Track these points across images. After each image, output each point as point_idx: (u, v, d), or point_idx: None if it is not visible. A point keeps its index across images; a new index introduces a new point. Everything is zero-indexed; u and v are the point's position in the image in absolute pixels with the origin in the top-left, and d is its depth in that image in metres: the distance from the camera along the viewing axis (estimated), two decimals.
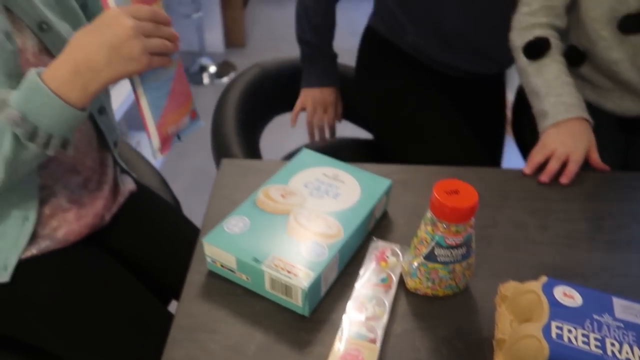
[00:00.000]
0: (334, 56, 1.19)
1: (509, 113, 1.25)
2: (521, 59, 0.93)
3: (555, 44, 0.92)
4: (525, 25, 0.94)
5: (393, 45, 1.13)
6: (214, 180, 0.78)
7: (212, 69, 2.65)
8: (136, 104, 0.60)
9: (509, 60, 1.03)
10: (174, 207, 0.91)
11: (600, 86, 1.00)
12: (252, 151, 1.06)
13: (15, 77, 0.60)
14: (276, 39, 2.98)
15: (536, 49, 0.92)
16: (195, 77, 2.64)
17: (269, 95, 1.20)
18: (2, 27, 0.59)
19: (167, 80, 0.59)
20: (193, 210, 1.25)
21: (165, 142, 0.61)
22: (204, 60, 2.67)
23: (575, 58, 0.98)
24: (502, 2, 0.99)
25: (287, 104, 1.22)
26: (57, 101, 0.53)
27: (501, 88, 1.24)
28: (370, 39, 1.18)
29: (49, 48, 0.65)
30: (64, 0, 0.68)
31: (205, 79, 2.62)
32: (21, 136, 0.53)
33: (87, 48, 0.53)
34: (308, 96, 1.17)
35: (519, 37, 0.94)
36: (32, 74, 0.54)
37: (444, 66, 1.12)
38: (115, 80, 0.55)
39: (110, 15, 0.53)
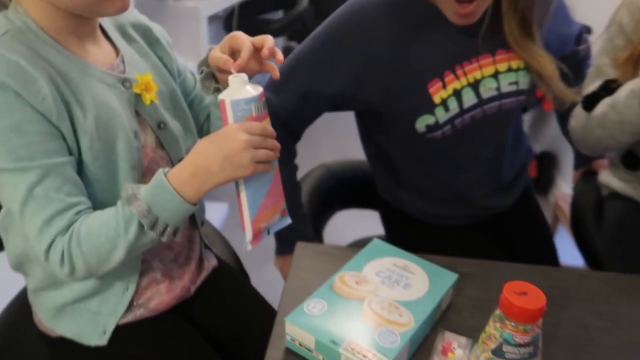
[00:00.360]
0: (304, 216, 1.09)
1: (564, 207, 1.28)
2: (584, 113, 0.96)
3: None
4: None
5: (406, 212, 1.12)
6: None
7: None
8: (235, 200, 0.69)
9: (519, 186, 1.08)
10: (247, 282, 0.98)
11: None
12: (318, 240, 1.13)
13: (137, 169, 0.71)
14: (339, 135, 3.07)
15: (595, 100, 0.95)
16: None
17: (333, 193, 1.25)
18: (133, 127, 0.71)
19: (266, 183, 0.67)
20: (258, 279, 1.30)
21: (257, 235, 0.69)
22: None
23: (633, 164, 1.02)
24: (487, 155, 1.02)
25: (351, 201, 1.30)
26: (177, 198, 0.63)
27: (528, 198, 1.18)
28: (386, 210, 1.17)
29: (163, 143, 0.76)
30: (177, 102, 0.80)
31: None
32: (145, 226, 0.63)
33: (207, 156, 0.63)
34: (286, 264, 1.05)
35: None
36: (160, 173, 0.64)
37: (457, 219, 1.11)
38: (225, 182, 0.64)
39: (229, 130, 0.63)
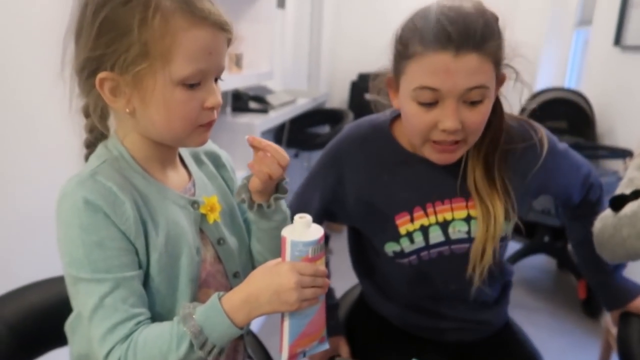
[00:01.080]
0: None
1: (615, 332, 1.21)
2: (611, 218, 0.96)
3: None
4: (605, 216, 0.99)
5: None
6: None
7: None
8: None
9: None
10: None
11: None
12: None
13: (195, 281, 0.76)
14: None
15: (624, 200, 0.95)
16: None
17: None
18: (196, 244, 0.77)
19: (310, 314, 0.70)
20: None
21: (292, 357, 0.71)
22: None
23: None
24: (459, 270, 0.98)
25: None
26: (227, 321, 0.67)
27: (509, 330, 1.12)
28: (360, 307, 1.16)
29: (221, 257, 0.82)
30: (235, 219, 0.87)
31: None
32: (195, 345, 0.66)
33: (259, 286, 0.68)
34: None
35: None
36: (215, 297, 0.68)
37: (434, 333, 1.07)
38: (272, 313, 0.68)
39: (284, 268, 0.67)
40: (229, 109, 2.03)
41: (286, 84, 3.49)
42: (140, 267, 0.71)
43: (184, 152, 0.84)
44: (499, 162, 0.92)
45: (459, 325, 1.06)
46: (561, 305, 2.50)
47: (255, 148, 0.75)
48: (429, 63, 0.78)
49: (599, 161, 2.62)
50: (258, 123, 1.90)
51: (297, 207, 1.01)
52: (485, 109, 0.83)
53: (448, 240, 0.95)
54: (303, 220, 0.68)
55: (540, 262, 2.85)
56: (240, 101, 2.15)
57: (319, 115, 2.96)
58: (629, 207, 0.94)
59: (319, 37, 4.28)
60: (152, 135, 0.73)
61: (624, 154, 2.22)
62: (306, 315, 0.70)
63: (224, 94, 2.00)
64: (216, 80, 0.74)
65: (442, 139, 0.83)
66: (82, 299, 0.68)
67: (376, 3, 4.71)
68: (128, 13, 0.64)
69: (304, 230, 0.68)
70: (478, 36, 0.77)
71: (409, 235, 0.95)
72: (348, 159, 0.98)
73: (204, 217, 0.79)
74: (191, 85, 0.68)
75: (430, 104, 0.81)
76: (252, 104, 2.15)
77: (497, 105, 0.92)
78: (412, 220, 0.95)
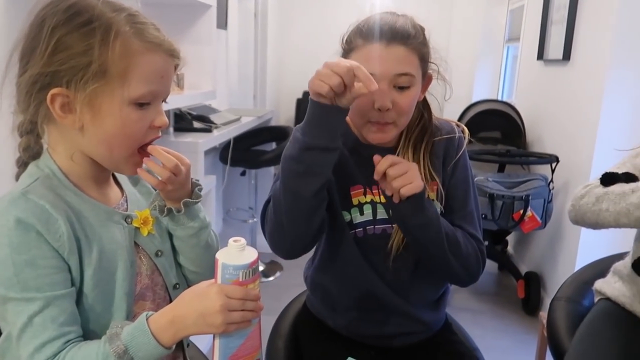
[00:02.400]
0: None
1: None
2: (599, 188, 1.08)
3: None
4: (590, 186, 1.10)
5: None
6: None
7: (261, 267, 2.86)
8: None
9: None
10: None
11: None
12: None
13: (130, 295, 0.77)
14: None
15: (615, 178, 1.06)
16: None
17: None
18: (131, 257, 0.78)
19: (241, 336, 0.72)
20: None
21: None
22: None
23: None
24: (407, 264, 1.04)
25: None
26: (153, 342, 0.68)
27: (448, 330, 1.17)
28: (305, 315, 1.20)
29: (160, 270, 0.83)
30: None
31: None
32: None
33: (185, 308, 0.70)
34: None
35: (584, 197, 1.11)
36: (142, 317, 0.70)
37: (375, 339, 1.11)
38: (200, 334, 0.70)
39: (212, 290, 0.68)
40: (171, 129, 2.03)
41: (232, 104, 3.51)
42: (73, 284, 0.71)
43: None
44: (426, 148, 1.04)
45: (402, 329, 1.10)
46: (503, 305, 2.63)
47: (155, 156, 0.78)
48: (366, 52, 0.95)
49: (530, 166, 2.79)
50: (201, 142, 1.92)
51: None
52: (413, 94, 0.97)
53: (390, 219, 1.03)
54: (237, 243, 0.70)
55: None
56: (184, 121, 2.16)
57: (265, 133, 2.99)
58: (619, 187, 1.05)
59: (264, 57, 4.35)
60: (96, 153, 0.75)
61: (551, 159, 2.38)
62: (238, 337, 0.71)
63: (165, 113, 2.00)
64: (163, 102, 0.79)
65: (377, 119, 0.96)
66: (11, 318, 0.68)
67: (319, 22, 4.84)
68: (89, 34, 0.68)
69: (236, 253, 0.70)
70: (405, 34, 0.95)
71: (360, 206, 1.04)
72: None
73: (137, 230, 0.81)
74: (142, 104, 0.72)
75: None
76: (196, 124, 2.17)
77: (426, 104, 1.07)
78: (365, 194, 1.04)
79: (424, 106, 1.06)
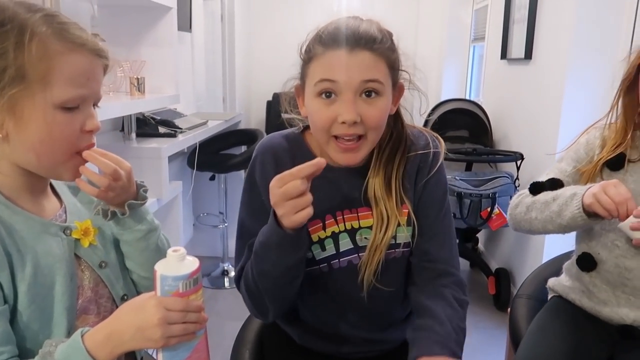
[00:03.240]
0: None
1: None
2: (528, 197, 1.16)
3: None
4: (521, 196, 1.20)
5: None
6: None
7: (233, 273, 2.83)
8: None
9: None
10: None
11: (600, 297, 1.11)
12: None
13: (72, 310, 0.74)
14: None
15: (541, 187, 1.14)
16: (217, 280, 2.82)
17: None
18: (70, 270, 0.75)
19: (187, 349, 0.68)
20: None
21: None
22: (226, 266, 2.89)
23: (588, 264, 1.12)
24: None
25: None
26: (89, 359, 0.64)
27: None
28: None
29: (105, 281, 0.80)
30: (118, 242, 0.85)
31: (226, 283, 2.79)
32: None
33: (123, 322, 0.66)
34: None
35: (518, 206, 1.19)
36: (77, 334, 0.66)
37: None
38: (139, 349, 0.66)
39: (150, 303, 0.65)
40: (133, 135, 1.98)
41: (200, 107, 3.46)
42: (5, 302, 0.68)
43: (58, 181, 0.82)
44: (398, 169, 0.96)
45: (366, 349, 1.06)
46: (475, 302, 2.65)
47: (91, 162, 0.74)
48: (328, 59, 0.85)
49: (497, 164, 2.83)
50: (165, 147, 1.87)
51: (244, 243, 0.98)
52: (382, 104, 0.87)
53: (356, 247, 0.96)
54: (176, 253, 0.66)
55: None
56: (147, 126, 2.11)
57: (234, 137, 2.95)
58: (544, 196, 1.13)
59: (232, 59, 4.30)
60: (25, 162, 0.71)
61: (516, 156, 2.42)
62: (183, 350, 0.68)
63: (127, 119, 1.95)
64: (94, 106, 0.75)
65: (342, 133, 0.86)
66: None
67: (287, 23, 4.82)
68: (2, 37, 0.65)
69: (176, 264, 0.66)
70: (371, 38, 0.85)
71: (320, 242, 0.96)
72: (262, 170, 0.97)
73: (78, 242, 0.77)
74: (70, 108, 0.69)
75: (330, 97, 0.86)
76: (162, 129, 2.12)
77: (398, 117, 0.97)
78: (324, 228, 0.96)
79: (395, 119, 0.96)
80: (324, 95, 0.86)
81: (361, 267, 0.96)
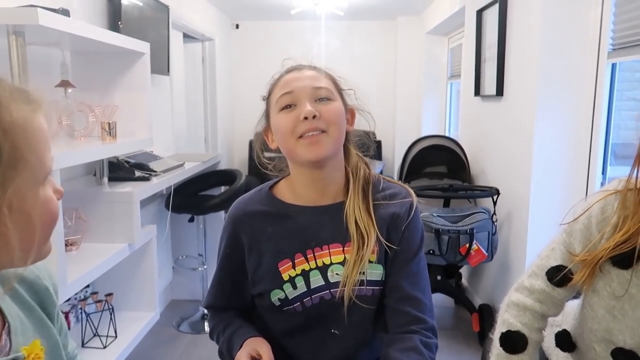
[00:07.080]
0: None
1: None
2: (498, 348, 0.98)
3: (534, 341, 0.96)
4: (517, 302, 0.98)
5: None
6: None
7: None
8: None
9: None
10: None
11: None
12: None
13: None
14: None
15: (513, 344, 0.96)
16: (196, 325, 2.74)
17: None
18: None
19: None
20: None
21: None
22: (206, 310, 2.81)
23: (566, 344, 1.04)
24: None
25: None
26: None
27: None
28: None
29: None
30: (59, 353, 0.74)
31: (206, 327, 2.71)
32: None
33: None
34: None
35: (506, 311, 1.00)
36: None
37: None
38: None
39: None
40: (105, 179, 1.96)
41: (180, 148, 3.46)
42: None
43: None
44: (370, 195, 1.03)
45: None
46: (460, 340, 2.60)
47: None
48: (284, 80, 1.01)
49: (475, 200, 2.84)
50: (137, 191, 1.85)
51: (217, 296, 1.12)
52: (336, 105, 0.99)
53: (327, 284, 1.00)
54: None
55: (437, 300, 2.96)
56: (121, 170, 2.09)
57: (212, 178, 2.94)
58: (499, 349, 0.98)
59: (214, 100, 4.34)
60: None
61: (492, 191, 2.43)
62: None
63: (99, 164, 1.94)
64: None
65: (305, 129, 0.95)
66: None
67: (268, 64, 4.88)
68: None
69: None
70: (313, 66, 1.05)
71: (292, 280, 1.00)
72: (238, 222, 1.06)
73: None
74: None
75: (290, 107, 0.98)
76: (137, 172, 2.10)
77: (361, 159, 1.08)
78: (294, 267, 1.01)
79: (346, 153, 1.06)
80: (285, 108, 0.98)
81: (336, 303, 1.00)
